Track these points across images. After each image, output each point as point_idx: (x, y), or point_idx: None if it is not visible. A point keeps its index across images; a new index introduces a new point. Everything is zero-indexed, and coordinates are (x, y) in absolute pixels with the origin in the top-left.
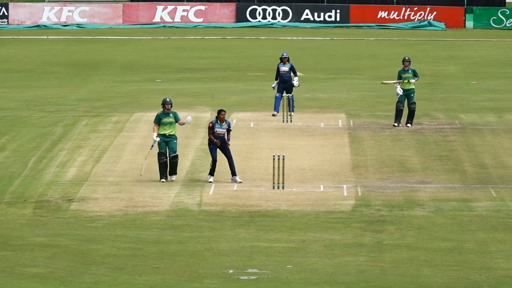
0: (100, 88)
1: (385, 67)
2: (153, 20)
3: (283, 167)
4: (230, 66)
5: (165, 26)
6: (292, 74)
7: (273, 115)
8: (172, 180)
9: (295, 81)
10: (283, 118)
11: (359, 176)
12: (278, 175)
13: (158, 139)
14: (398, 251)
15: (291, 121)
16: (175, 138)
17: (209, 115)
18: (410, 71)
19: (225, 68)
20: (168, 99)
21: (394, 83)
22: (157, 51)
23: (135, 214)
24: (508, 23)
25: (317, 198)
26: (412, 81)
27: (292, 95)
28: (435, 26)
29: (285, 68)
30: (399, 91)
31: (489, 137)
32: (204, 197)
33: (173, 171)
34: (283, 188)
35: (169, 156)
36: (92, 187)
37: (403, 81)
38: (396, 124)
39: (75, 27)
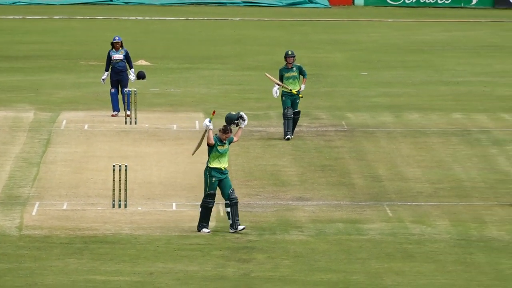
0: None
1: (253, 55)
2: None
3: (126, 181)
4: (59, 54)
5: None
6: (127, 64)
7: (113, 115)
8: (239, 230)
9: (132, 75)
10: (126, 119)
11: None
12: (120, 190)
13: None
14: (270, 286)
15: (135, 123)
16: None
17: (32, 115)
18: (295, 68)
19: (52, 56)
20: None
21: (276, 83)
22: None
23: None
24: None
25: (168, 220)
26: (302, 86)
27: (129, 90)
28: (316, 2)
29: (118, 56)
30: (275, 93)
31: (384, 142)
32: (26, 218)
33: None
34: (125, 206)
35: (228, 197)
36: None
37: (286, 84)
38: (289, 137)
39: None
